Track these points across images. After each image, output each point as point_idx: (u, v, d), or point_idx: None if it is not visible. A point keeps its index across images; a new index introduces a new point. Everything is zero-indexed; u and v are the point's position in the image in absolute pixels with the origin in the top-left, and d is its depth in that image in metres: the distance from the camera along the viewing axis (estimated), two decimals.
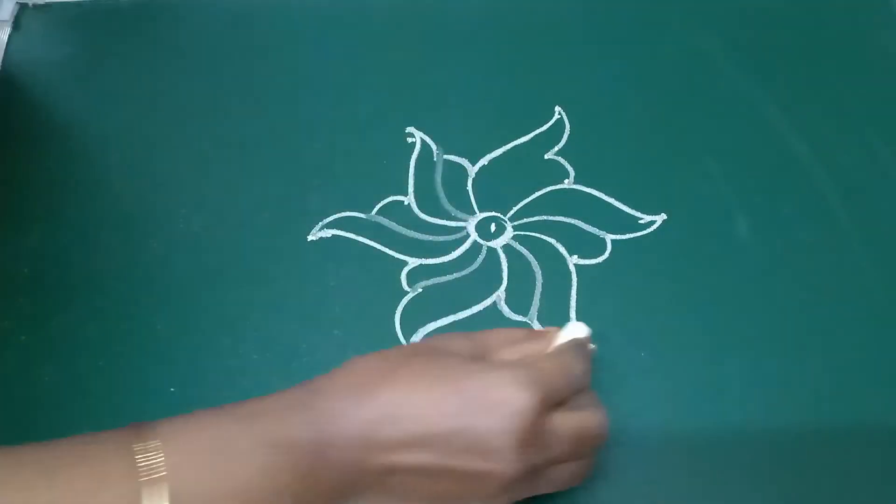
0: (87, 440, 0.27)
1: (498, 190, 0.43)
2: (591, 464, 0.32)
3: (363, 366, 0.30)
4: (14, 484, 0.25)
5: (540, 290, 0.40)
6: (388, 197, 0.43)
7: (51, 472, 0.25)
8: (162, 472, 0.25)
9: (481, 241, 0.42)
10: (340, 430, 0.28)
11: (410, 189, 0.43)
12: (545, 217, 0.43)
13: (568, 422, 0.30)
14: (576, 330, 0.34)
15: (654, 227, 0.42)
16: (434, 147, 0.45)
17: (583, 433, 0.30)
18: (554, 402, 0.30)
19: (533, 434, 0.28)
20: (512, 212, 0.43)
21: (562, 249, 0.42)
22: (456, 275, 0.41)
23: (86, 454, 0.26)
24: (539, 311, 0.40)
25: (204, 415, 0.28)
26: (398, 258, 0.41)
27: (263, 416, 0.28)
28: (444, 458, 0.28)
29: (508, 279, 0.40)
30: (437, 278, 0.40)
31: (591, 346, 0.34)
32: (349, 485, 0.28)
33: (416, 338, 0.39)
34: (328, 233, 0.42)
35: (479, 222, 0.42)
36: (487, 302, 0.40)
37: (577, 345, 0.33)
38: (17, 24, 0.49)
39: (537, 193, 0.43)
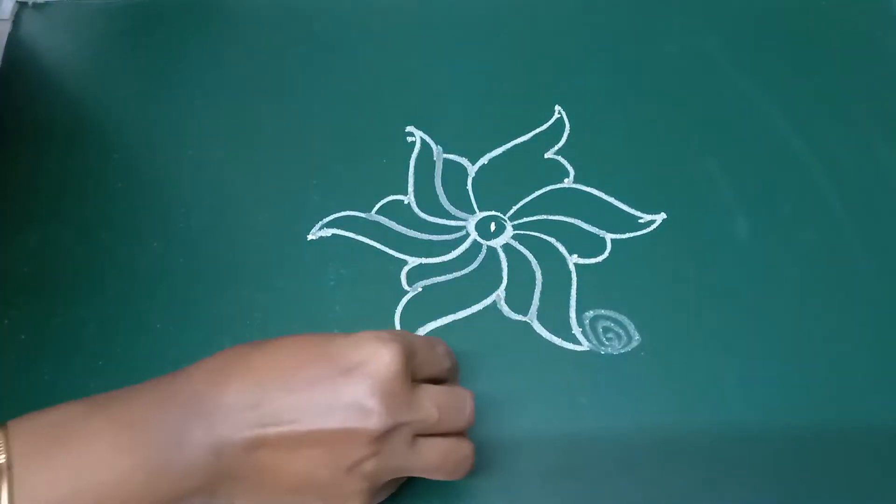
0: None
1: (498, 189, 0.43)
2: (467, 452, 0.31)
3: (228, 351, 0.30)
4: None
5: (540, 289, 0.40)
6: (387, 196, 0.43)
7: None
8: (23, 460, 0.25)
9: (481, 241, 0.42)
10: (199, 412, 0.27)
11: (410, 188, 0.43)
12: (545, 216, 0.43)
13: (433, 390, 0.30)
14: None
15: (654, 226, 0.42)
16: (434, 146, 0.45)
17: (449, 402, 0.30)
18: (416, 367, 0.30)
19: (397, 386, 0.28)
20: (512, 211, 0.43)
21: (562, 249, 0.42)
22: (456, 274, 0.41)
23: None
24: (539, 311, 0.40)
25: (65, 404, 0.28)
26: (398, 257, 0.41)
27: (119, 399, 0.28)
28: (308, 422, 0.28)
29: (508, 278, 0.40)
30: (437, 277, 0.40)
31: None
32: (212, 470, 0.27)
33: None
34: (328, 232, 0.42)
35: (478, 221, 0.42)
36: (487, 301, 0.40)
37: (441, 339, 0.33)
38: (16, 22, 0.49)
39: (537, 193, 0.43)
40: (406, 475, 0.31)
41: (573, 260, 0.41)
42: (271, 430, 0.27)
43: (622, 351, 0.39)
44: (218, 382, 0.28)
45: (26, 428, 0.27)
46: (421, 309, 0.39)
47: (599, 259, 0.41)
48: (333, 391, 0.28)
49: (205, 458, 0.27)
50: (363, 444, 0.28)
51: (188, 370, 0.29)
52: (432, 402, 0.30)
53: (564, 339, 0.39)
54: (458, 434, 0.31)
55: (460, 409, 0.31)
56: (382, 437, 0.28)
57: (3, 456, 0.26)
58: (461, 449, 0.31)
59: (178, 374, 0.29)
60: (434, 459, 0.30)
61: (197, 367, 0.29)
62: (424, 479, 0.31)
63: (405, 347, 0.29)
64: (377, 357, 0.28)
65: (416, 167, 0.44)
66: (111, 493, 0.26)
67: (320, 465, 0.28)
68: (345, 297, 0.40)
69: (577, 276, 0.41)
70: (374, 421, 0.28)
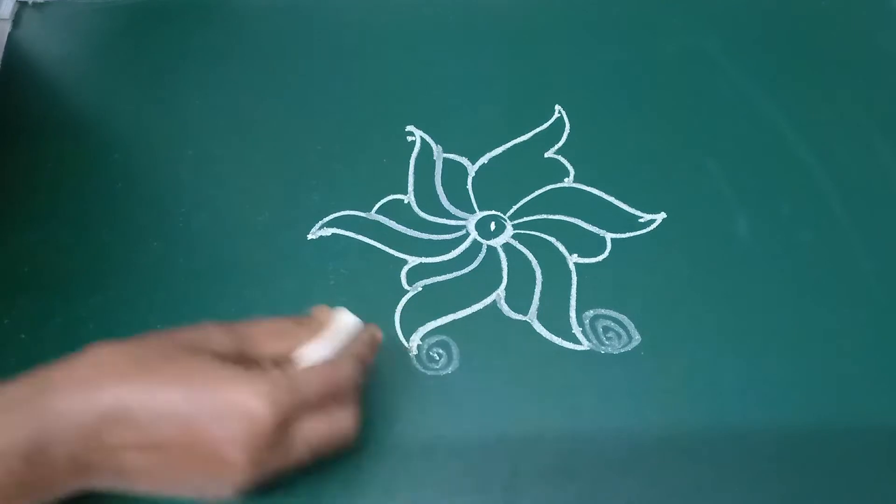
0: None
1: (498, 189, 0.43)
2: (345, 433, 0.30)
3: (99, 356, 0.28)
4: None
5: (540, 288, 0.40)
6: (387, 196, 0.43)
7: None
8: None
9: (481, 240, 0.42)
10: (62, 429, 0.26)
11: (410, 188, 0.43)
12: (545, 216, 0.43)
13: (312, 431, 0.29)
14: (344, 322, 0.32)
15: (654, 225, 0.42)
16: (434, 146, 0.45)
17: (328, 441, 0.29)
18: (301, 411, 0.28)
19: (266, 444, 0.27)
20: (512, 210, 0.43)
21: (562, 248, 0.42)
22: (456, 273, 0.41)
23: None
24: (539, 310, 0.40)
25: None
26: (398, 257, 0.41)
27: None
28: (173, 460, 0.27)
29: (508, 278, 0.40)
30: (437, 277, 0.40)
31: (377, 333, 0.34)
32: (76, 477, 0.27)
33: (417, 336, 0.39)
34: (328, 231, 0.42)
35: (478, 221, 0.42)
36: (487, 300, 0.40)
37: (349, 350, 0.32)
38: (17, 22, 0.49)
39: (537, 192, 0.43)
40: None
41: (573, 259, 0.41)
42: (136, 458, 0.27)
43: (622, 350, 0.39)
44: (88, 398, 0.27)
45: None
46: (421, 308, 0.39)
47: (599, 258, 0.41)
48: (202, 437, 0.27)
49: (66, 473, 0.26)
50: (228, 486, 0.28)
51: (50, 377, 0.27)
52: (308, 445, 0.29)
53: (564, 338, 0.39)
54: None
55: (341, 439, 0.30)
56: (247, 482, 0.28)
57: None
58: (350, 416, 0.30)
59: (42, 379, 0.27)
60: (311, 449, 0.29)
61: (62, 375, 0.27)
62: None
63: (285, 398, 0.27)
64: (249, 410, 0.27)
65: (416, 167, 0.44)
66: None
67: (188, 477, 0.28)
68: (345, 297, 0.40)
69: (577, 275, 0.41)
70: (240, 475, 0.27)
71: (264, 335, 0.31)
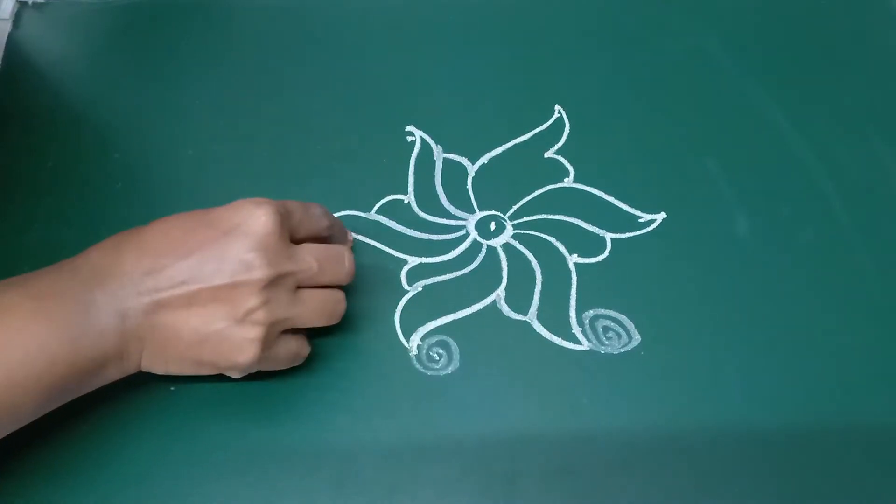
0: None
1: (498, 189, 0.43)
2: (340, 299, 0.35)
3: (118, 234, 0.33)
4: None
5: (540, 288, 0.40)
6: (387, 196, 0.43)
7: None
8: None
9: (481, 240, 0.42)
10: (101, 283, 0.30)
11: (410, 188, 0.43)
12: (545, 216, 0.43)
13: (312, 246, 0.34)
14: None
15: (654, 225, 0.42)
16: (434, 146, 0.45)
17: (328, 256, 0.34)
18: (294, 226, 0.33)
19: (274, 241, 0.32)
20: (512, 210, 0.43)
21: (561, 248, 0.42)
22: (456, 273, 0.41)
23: None
24: (539, 310, 0.39)
25: None
26: (398, 257, 0.41)
27: (26, 278, 0.31)
28: (199, 281, 0.31)
29: (508, 278, 0.40)
30: (437, 277, 0.40)
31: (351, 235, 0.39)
32: (119, 333, 0.30)
33: (417, 336, 0.39)
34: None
35: (478, 221, 0.42)
36: (487, 301, 0.40)
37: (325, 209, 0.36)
38: (17, 22, 0.49)
39: (537, 192, 0.43)
40: (291, 325, 0.34)
41: (573, 259, 0.41)
42: (166, 294, 0.31)
43: (622, 350, 0.39)
44: (114, 256, 0.31)
45: None
46: (421, 308, 0.39)
47: (599, 258, 0.41)
48: (219, 251, 0.31)
49: (112, 322, 0.30)
50: (251, 295, 0.31)
51: (86, 252, 0.32)
52: (312, 256, 0.33)
53: (564, 338, 0.39)
54: (337, 287, 0.35)
55: (338, 261, 0.35)
56: (267, 287, 0.31)
57: None
58: (335, 298, 0.35)
59: (76, 256, 0.32)
60: (314, 307, 0.34)
61: (93, 248, 0.32)
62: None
63: (279, 208, 0.32)
64: (254, 217, 0.32)
65: (416, 167, 0.44)
66: (36, 357, 0.29)
67: (215, 319, 0.31)
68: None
69: (577, 275, 0.41)
70: (258, 273, 0.31)
71: None
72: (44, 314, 0.29)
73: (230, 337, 0.31)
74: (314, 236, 0.35)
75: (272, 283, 0.32)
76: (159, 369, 0.33)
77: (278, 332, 0.33)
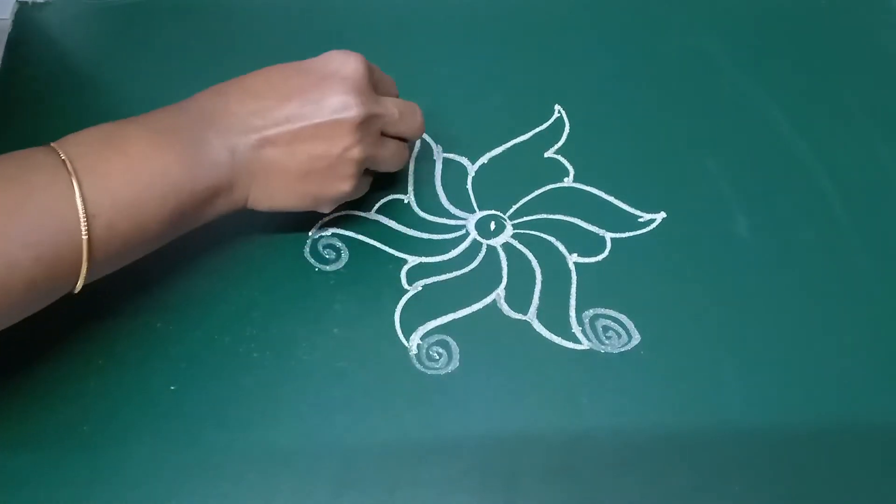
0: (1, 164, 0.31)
1: (498, 188, 0.43)
2: (406, 150, 0.40)
3: (225, 81, 0.36)
4: None
5: (539, 288, 0.40)
6: (387, 195, 0.43)
7: None
8: (81, 160, 0.30)
9: (481, 240, 0.42)
10: (212, 122, 0.34)
11: (410, 187, 0.43)
12: (545, 215, 0.43)
13: (392, 98, 0.38)
14: None
15: (654, 225, 0.42)
16: (434, 145, 0.45)
17: (405, 108, 0.38)
18: (375, 81, 0.37)
19: (366, 86, 0.36)
20: (512, 210, 0.43)
21: (561, 248, 0.42)
22: (456, 273, 0.41)
23: (8, 169, 0.30)
24: (539, 310, 0.39)
25: (92, 127, 0.33)
26: (398, 256, 0.41)
27: (143, 117, 0.34)
28: (302, 121, 0.34)
29: (508, 277, 0.40)
30: (437, 276, 0.40)
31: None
32: (230, 166, 0.34)
33: (417, 336, 0.39)
34: (328, 231, 0.42)
35: (478, 220, 0.42)
36: (487, 300, 0.40)
37: None
38: (17, 21, 0.49)
39: (537, 192, 0.43)
40: (373, 166, 0.38)
41: (573, 259, 0.41)
42: (272, 131, 0.34)
43: (622, 350, 0.39)
44: (221, 100, 0.34)
45: (76, 142, 0.31)
46: (421, 308, 0.39)
47: (599, 258, 0.41)
48: (318, 93, 0.35)
49: (223, 156, 0.33)
50: (347, 133, 0.35)
51: (191, 98, 0.35)
52: (393, 105, 0.37)
53: (564, 337, 0.39)
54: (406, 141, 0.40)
55: (414, 115, 0.39)
56: (361, 126, 0.35)
57: (68, 165, 0.30)
58: (405, 147, 0.40)
59: (182, 102, 0.35)
60: (392, 152, 0.38)
61: (198, 94, 0.35)
62: None
63: (366, 60, 0.36)
64: (347, 64, 0.35)
65: (415, 166, 0.44)
66: (159, 183, 0.32)
67: (316, 154, 0.35)
68: (345, 297, 0.40)
69: (576, 274, 0.41)
70: (354, 112, 0.35)
71: None
72: (164, 145, 0.32)
73: (329, 170, 0.35)
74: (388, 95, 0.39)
75: (364, 123, 0.35)
76: (264, 204, 0.36)
77: (364, 168, 0.37)
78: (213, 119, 0.34)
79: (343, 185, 0.36)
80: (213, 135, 0.33)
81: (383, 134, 0.38)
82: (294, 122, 0.34)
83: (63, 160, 0.30)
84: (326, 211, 0.38)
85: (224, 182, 0.34)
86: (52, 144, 0.31)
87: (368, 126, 0.36)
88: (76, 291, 0.32)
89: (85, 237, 0.30)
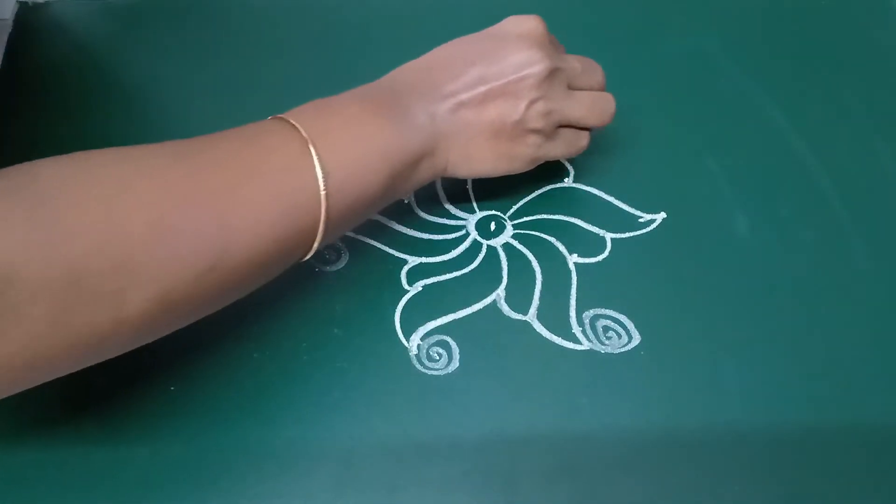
0: (235, 133, 0.33)
1: (498, 188, 0.43)
2: (610, 100, 0.40)
3: (409, 62, 0.38)
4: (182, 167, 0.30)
5: (539, 288, 0.40)
6: None
7: (216, 151, 0.31)
8: (309, 123, 0.33)
9: (481, 240, 0.42)
10: (411, 92, 0.36)
11: None
12: (545, 216, 0.43)
13: (571, 55, 0.39)
14: None
15: (654, 225, 0.42)
16: None
17: (585, 63, 0.39)
18: (550, 40, 0.38)
19: (548, 41, 0.37)
20: (512, 210, 0.43)
21: (561, 248, 0.42)
22: (456, 273, 0.41)
23: (244, 135, 0.32)
24: (539, 310, 0.40)
25: (308, 104, 0.35)
26: (398, 256, 0.41)
27: (351, 93, 0.36)
28: (491, 79, 0.36)
29: (508, 278, 0.40)
30: (437, 277, 0.40)
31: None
32: (431, 130, 0.36)
33: (417, 336, 0.39)
34: None
35: (479, 221, 0.42)
36: (487, 300, 0.40)
37: None
38: (17, 22, 0.49)
39: (537, 192, 0.43)
40: (566, 118, 0.38)
41: (573, 259, 0.41)
42: (465, 95, 0.36)
43: (622, 350, 0.39)
44: (413, 74, 0.37)
45: (305, 117, 0.33)
46: (421, 308, 0.39)
47: (599, 258, 0.41)
48: (501, 53, 0.36)
49: (425, 121, 0.36)
50: (533, 87, 0.36)
51: (384, 77, 0.37)
52: (573, 58, 0.39)
53: (564, 338, 0.39)
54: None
55: (594, 68, 0.40)
56: (546, 80, 0.36)
57: (299, 128, 0.32)
58: (606, 98, 0.40)
59: (374, 82, 0.37)
60: (586, 104, 0.39)
61: (389, 74, 0.37)
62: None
63: (542, 20, 0.38)
64: (525, 23, 0.37)
65: None
66: (377, 144, 0.34)
67: (506, 111, 0.36)
68: (345, 297, 0.40)
69: (576, 275, 0.41)
70: (539, 66, 0.36)
71: None
72: (374, 110, 0.34)
73: (518, 126, 0.37)
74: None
75: (550, 76, 0.36)
76: (462, 168, 0.37)
77: (556, 122, 0.38)
78: (412, 89, 0.36)
79: (533, 140, 0.37)
80: (415, 104, 0.36)
81: (573, 87, 0.39)
82: (484, 83, 0.36)
83: (293, 124, 0.32)
84: (523, 170, 0.39)
85: (428, 146, 0.36)
86: (271, 117, 0.34)
87: (553, 79, 0.37)
88: (307, 258, 0.34)
89: (323, 192, 0.31)
